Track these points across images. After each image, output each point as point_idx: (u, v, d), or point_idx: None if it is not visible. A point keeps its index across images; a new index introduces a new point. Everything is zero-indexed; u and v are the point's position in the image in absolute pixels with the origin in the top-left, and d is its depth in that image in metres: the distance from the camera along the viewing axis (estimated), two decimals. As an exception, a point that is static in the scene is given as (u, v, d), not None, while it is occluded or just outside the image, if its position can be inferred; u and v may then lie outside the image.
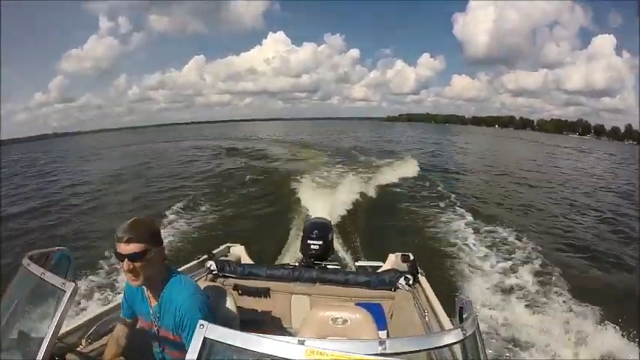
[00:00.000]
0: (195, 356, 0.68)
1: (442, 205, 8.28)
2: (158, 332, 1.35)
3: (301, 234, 2.84)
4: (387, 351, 0.67)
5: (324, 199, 7.55)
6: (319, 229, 2.74)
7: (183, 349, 1.27)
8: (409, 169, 12.34)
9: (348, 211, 7.00)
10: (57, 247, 1.35)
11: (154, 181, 12.22)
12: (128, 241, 1.18)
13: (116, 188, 11.27)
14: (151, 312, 1.35)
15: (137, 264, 1.20)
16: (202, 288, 1.78)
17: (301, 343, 0.67)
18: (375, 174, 10.76)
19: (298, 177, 9.74)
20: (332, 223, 2.95)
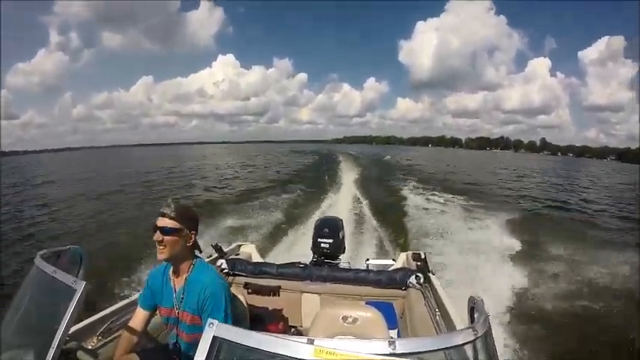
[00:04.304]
0: (205, 355, 0.67)
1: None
2: (178, 316, 1.42)
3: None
4: (397, 351, 0.65)
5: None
6: (330, 227, 2.71)
7: (199, 332, 1.29)
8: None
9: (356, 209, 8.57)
10: (69, 246, 1.36)
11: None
12: (166, 217, 1.34)
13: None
14: (174, 295, 1.43)
15: (167, 238, 1.33)
16: None
17: (310, 342, 0.66)
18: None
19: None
20: (343, 221, 2.91)
